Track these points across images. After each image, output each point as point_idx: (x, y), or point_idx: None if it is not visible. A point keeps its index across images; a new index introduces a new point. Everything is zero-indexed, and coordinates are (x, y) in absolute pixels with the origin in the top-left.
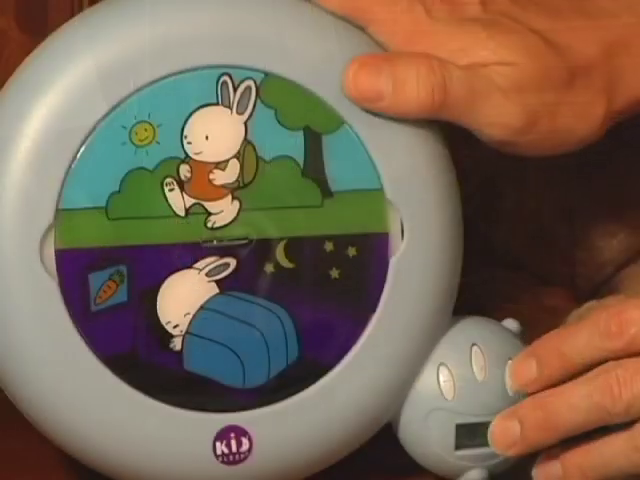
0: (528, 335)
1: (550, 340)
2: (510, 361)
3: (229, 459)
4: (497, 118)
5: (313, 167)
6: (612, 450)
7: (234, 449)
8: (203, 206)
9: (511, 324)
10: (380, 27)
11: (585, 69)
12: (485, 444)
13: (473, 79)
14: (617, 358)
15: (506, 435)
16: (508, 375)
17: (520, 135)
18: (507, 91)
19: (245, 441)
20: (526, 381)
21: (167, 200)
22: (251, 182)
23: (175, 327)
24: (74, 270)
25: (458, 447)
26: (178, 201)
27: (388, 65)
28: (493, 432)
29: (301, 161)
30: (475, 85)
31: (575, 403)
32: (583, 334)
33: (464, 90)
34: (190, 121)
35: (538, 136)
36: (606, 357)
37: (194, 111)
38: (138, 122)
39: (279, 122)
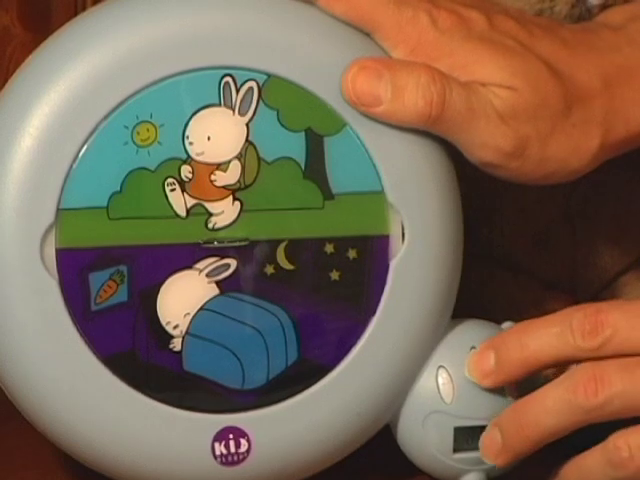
0: None
1: (513, 332)
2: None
3: (227, 460)
4: (489, 139)
5: (314, 169)
6: (588, 464)
7: (233, 450)
8: (204, 207)
9: (510, 327)
10: (384, 34)
11: (584, 100)
12: None
13: (472, 97)
14: (585, 359)
15: (491, 445)
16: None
17: (509, 160)
18: (502, 114)
19: (244, 442)
20: (482, 373)
21: (168, 200)
22: (252, 183)
23: (175, 327)
24: (74, 270)
25: (456, 450)
26: (179, 201)
27: (389, 71)
28: (483, 443)
29: (302, 163)
30: (473, 103)
31: (549, 406)
32: (552, 329)
33: (462, 106)
34: (192, 122)
35: (528, 163)
36: (573, 356)
37: (196, 112)
38: (140, 122)
39: (281, 123)
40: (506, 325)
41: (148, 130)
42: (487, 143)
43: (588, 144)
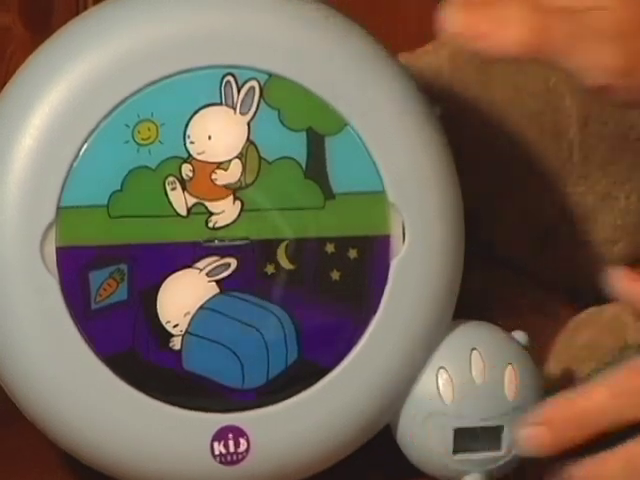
0: (529, 341)
1: (563, 409)
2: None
3: (226, 459)
4: (597, 60)
5: (315, 168)
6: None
7: (232, 449)
8: (205, 206)
9: (520, 336)
10: None
11: None
12: (483, 449)
13: (573, 22)
14: None
15: None
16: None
17: (620, 77)
18: (606, 33)
19: (243, 442)
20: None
21: (169, 199)
22: (253, 182)
23: (175, 326)
24: (75, 268)
25: (456, 451)
26: (180, 200)
27: (490, 5)
28: None
29: (303, 162)
30: (575, 28)
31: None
32: (600, 397)
33: (564, 33)
34: (193, 120)
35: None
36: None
37: (197, 111)
38: (141, 121)
39: (282, 123)
40: (516, 334)
41: (149, 129)
42: (595, 64)
43: None
